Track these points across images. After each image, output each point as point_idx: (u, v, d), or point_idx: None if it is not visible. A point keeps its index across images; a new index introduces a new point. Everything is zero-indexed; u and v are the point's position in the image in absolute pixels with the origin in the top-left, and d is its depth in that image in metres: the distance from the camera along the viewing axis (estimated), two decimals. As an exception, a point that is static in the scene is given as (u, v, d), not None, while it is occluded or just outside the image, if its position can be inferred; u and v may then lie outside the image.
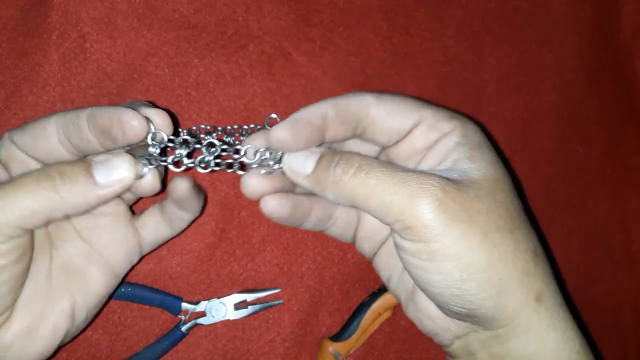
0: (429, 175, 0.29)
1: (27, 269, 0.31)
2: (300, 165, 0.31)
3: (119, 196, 0.32)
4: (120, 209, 0.35)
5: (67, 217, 0.29)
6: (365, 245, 0.38)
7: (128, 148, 0.32)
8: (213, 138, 0.40)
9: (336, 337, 0.43)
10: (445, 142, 0.32)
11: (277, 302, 0.43)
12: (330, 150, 0.32)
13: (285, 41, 0.44)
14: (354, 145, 0.36)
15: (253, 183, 0.33)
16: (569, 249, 0.53)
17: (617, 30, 0.56)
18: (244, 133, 0.40)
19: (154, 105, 0.33)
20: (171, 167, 0.32)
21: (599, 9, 0.55)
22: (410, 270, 0.31)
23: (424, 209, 0.28)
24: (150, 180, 0.31)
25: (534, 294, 0.30)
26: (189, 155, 0.32)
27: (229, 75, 0.43)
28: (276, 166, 0.33)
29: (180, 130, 0.40)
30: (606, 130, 0.55)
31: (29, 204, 0.28)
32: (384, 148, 0.35)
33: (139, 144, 0.31)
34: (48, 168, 0.29)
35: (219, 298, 0.41)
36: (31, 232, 0.30)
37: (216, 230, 0.42)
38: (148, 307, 0.41)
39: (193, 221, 0.42)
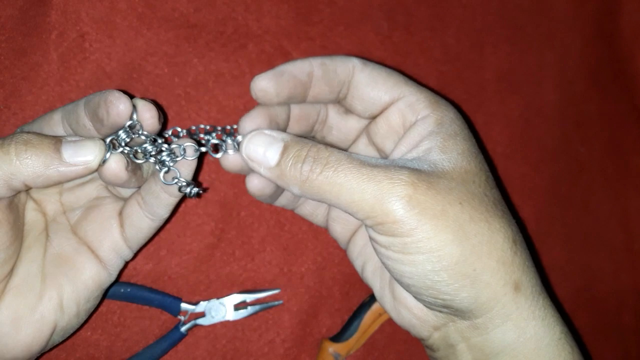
0: (399, 169, 0.29)
1: (9, 248, 0.31)
2: (261, 155, 0.30)
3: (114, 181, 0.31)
4: (110, 201, 0.35)
5: (27, 187, 0.29)
6: (338, 228, 0.38)
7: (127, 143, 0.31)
8: (212, 138, 0.40)
9: (336, 338, 0.43)
10: (420, 128, 0.32)
11: (276, 302, 0.43)
12: (295, 140, 0.30)
13: (285, 40, 0.44)
14: (337, 120, 0.36)
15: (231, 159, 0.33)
16: (570, 248, 0.52)
17: (618, 29, 0.56)
18: (243, 133, 0.40)
19: (155, 103, 0.32)
20: (132, 157, 0.31)
21: (600, 8, 0.55)
22: (384, 261, 0.31)
23: (394, 206, 0.28)
24: (112, 165, 0.30)
25: (511, 284, 0.30)
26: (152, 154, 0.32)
27: (228, 74, 0.42)
28: (230, 152, 0.32)
29: (179, 130, 0.39)
30: (607, 130, 0.55)
31: None
32: (366, 128, 0.36)
33: (135, 137, 0.31)
34: (16, 135, 0.29)
35: (218, 298, 0.41)
36: (6, 204, 0.30)
37: (215, 231, 0.42)
38: (147, 307, 0.41)
39: (180, 217, 0.42)
